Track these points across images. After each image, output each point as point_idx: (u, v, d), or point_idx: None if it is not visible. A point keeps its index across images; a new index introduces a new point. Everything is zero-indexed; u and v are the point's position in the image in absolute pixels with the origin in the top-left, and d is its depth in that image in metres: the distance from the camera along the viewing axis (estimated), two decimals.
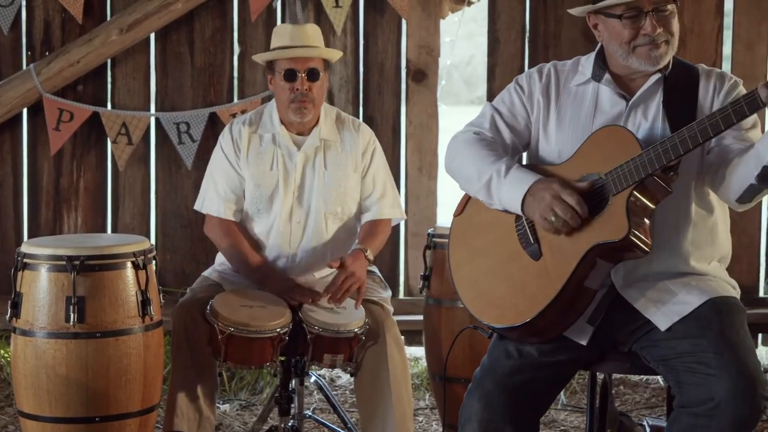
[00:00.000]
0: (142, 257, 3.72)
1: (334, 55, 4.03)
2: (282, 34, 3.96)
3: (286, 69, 3.88)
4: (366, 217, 4.04)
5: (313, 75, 3.88)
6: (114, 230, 5.23)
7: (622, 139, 2.89)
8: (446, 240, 3.21)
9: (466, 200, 3.17)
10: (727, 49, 5.23)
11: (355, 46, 5.20)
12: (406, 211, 5.21)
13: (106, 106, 5.15)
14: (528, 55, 5.23)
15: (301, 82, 3.88)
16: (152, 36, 5.15)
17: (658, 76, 2.98)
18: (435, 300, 4.24)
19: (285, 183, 3.96)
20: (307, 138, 3.98)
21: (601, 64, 3.05)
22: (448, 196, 4.45)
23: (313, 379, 4.17)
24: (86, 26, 5.09)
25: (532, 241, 2.96)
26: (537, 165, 3.07)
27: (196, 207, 4.10)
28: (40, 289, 3.64)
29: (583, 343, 2.96)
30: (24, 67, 5.13)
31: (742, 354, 2.79)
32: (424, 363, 4.76)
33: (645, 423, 3.70)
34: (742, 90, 2.99)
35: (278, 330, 3.70)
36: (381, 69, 5.22)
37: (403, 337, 3.96)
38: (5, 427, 4.45)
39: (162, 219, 5.26)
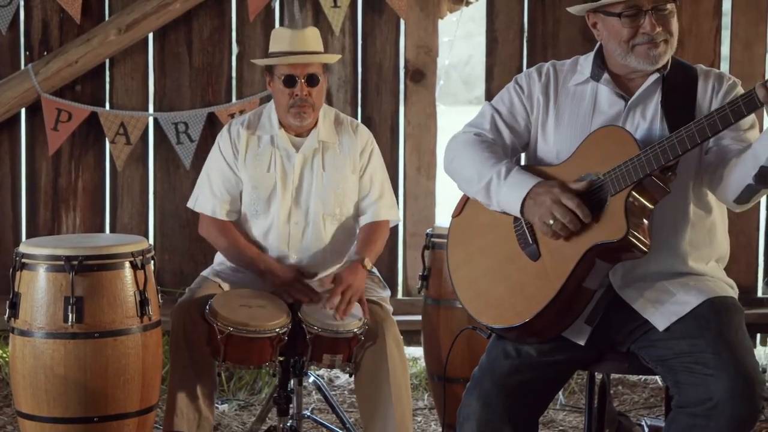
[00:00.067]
0: (141, 257, 3.72)
1: (333, 59, 4.04)
2: (281, 38, 3.94)
3: (285, 75, 3.88)
4: (364, 220, 4.04)
5: (312, 80, 3.88)
6: (112, 230, 5.22)
7: (620, 139, 2.89)
8: (445, 240, 3.21)
9: (465, 201, 3.17)
10: (725, 49, 5.23)
11: (353, 47, 5.20)
12: (405, 212, 5.22)
13: (104, 106, 5.15)
14: (526, 55, 5.23)
15: (300, 87, 3.88)
16: (150, 36, 5.15)
17: (656, 76, 2.98)
18: (433, 300, 4.24)
19: (283, 184, 3.96)
20: (305, 139, 3.97)
21: (600, 64, 3.05)
22: (446, 196, 4.45)
23: (311, 379, 4.16)
24: (84, 26, 5.09)
25: (531, 242, 2.96)
26: (535, 166, 3.07)
27: (189, 204, 4.09)
28: (39, 290, 3.64)
29: (581, 343, 2.96)
30: (22, 67, 5.13)
31: (740, 354, 2.79)
32: (422, 363, 4.76)
33: (643, 423, 3.70)
34: (740, 90, 2.99)
35: (277, 330, 3.69)
36: (379, 69, 5.22)
37: (401, 337, 3.96)
38: (3, 428, 4.45)
39: (160, 219, 5.26)
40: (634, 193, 2.83)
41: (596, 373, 3.15)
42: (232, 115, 4.97)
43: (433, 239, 4.25)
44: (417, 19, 5.18)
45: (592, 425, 3.17)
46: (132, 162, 5.17)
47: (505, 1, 5.21)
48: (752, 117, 2.90)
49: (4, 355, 4.90)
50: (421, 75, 5.21)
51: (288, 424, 3.82)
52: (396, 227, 5.15)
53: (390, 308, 3.97)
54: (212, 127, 5.07)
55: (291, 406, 3.84)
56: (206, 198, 4.01)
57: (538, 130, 3.10)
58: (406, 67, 5.21)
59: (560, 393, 4.78)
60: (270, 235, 3.97)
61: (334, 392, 4.91)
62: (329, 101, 5.08)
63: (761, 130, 2.97)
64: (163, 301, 3.90)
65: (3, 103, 5.04)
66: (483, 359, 3.01)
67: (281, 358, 3.81)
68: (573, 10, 3.08)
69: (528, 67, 4.89)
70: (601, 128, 2.96)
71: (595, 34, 3.05)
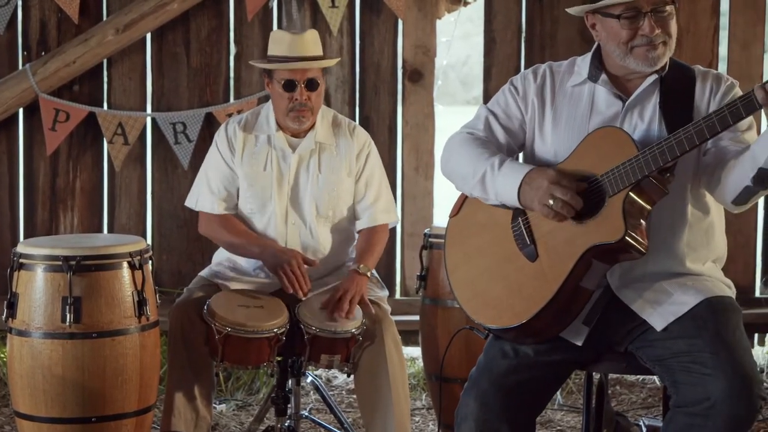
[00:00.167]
0: (139, 257, 3.72)
1: (333, 63, 4.05)
2: (280, 42, 3.93)
3: (285, 79, 3.88)
4: (360, 224, 4.03)
5: (312, 85, 3.88)
6: (110, 230, 5.22)
7: (618, 140, 2.89)
8: (443, 240, 3.21)
9: (462, 201, 3.17)
10: (723, 49, 5.23)
11: (351, 47, 5.20)
12: (403, 212, 5.22)
13: (102, 107, 5.15)
14: (524, 55, 5.23)
15: (300, 92, 3.87)
16: (148, 36, 5.15)
17: (654, 77, 2.98)
18: (431, 300, 4.24)
19: (278, 184, 3.96)
20: (302, 140, 3.97)
21: (598, 65, 3.05)
22: (444, 196, 4.45)
23: (309, 379, 4.16)
24: (82, 26, 5.09)
25: (529, 243, 2.96)
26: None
27: (189, 204, 4.09)
28: (36, 290, 3.64)
29: (579, 343, 2.96)
30: (20, 67, 5.13)
31: (738, 354, 2.79)
32: (420, 363, 4.77)
33: (641, 423, 3.70)
34: (738, 91, 2.99)
35: (275, 330, 3.70)
36: (377, 69, 5.22)
37: (400, 337, 3.96)
38: (1, 428, 4.44)
39: (158, 219, 5.25)
40: (632, 194, 2.83)
41: (594, 373, 3.16)
42: (229, 115, 4.96)
43: (431, 239, 4.25)
44: (415, 20, 5.18)
45: (590, 425, 3.17)
46: (130, 162, 5.17)
47: (503, 1, 5.21)
48: (750, 118, 2.89)
49: (2, 356, 4.90)
50: (419, 75, 5.21)
51: (286, 425, 3.82)
52: (394, 227, 5.15)
53: (388, 308, 3.97)
54: (210, 127, 5.07)
55: (289, 406, 3.84)
56: (205, 197, 4.01)
57: (534, 131, 3.10)
58: (404, 67, 5.22)
59: (558, 393, 4.78)
60: (268, 234, 3.97)
61: (332, 392, 4.91)
62: (327, 101, 5.08)
63: (759, 131, 2.97)
64: (161, 301, 3.90)
65: (1, 103, 5.04)
66: (480, 359, 3.02)
67: (279, 359, 3.81)
68: (572, 11, 3.08)
69: (526, 67, 4.90)
70: (599, 129, 2.96)
71: (594, 35, 3.05)
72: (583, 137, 2.97)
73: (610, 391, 4.45)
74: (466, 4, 5.20)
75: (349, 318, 3.75)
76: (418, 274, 4.30)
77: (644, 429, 3.64)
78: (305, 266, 3.84)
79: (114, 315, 3.65)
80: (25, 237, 5.16)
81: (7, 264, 3.76)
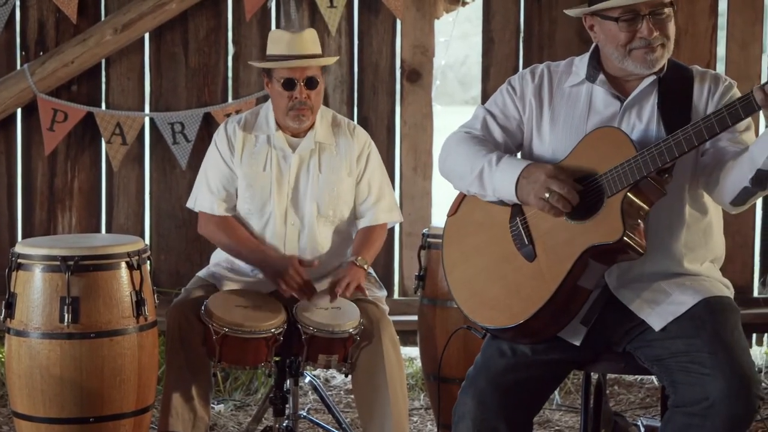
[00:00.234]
0: (137, 257, 3.72)
1: (332, 61, 4.05)
2: (279, 41, 3.93)
3: (284, 78, 3.88)
4: (361, 223, 4.04)
5: (311, 83, 3.88)
6: (108, 230, 5.22)
7: (616, 140, 2.89)
8: (441, 240, 3.21)
9: (460, 200, 3.17)
10: (721, 49, 5.23)
11: (349, 47, 5.20)
12: (401, 211, 5.21)
13: (100, 107, 5.15)
14: (522, 55, 5.23)
15: (299, 90, 3.87)
16: (146, 36, 5.15)
17: (653, 77, 2.98)
18: (429, 300, 4.24)
19: (278, 185, 3.95)
20: (302, 140, 3.97)
21: (596, 65, 3.05)
22: (443, 196, 4.45)
23: (307, 379, 4.16)
24: (80, 26, 5.08)
25: (527, 242, 2.96)
26: None
27: (189, 205, 4.09)
28: (34, 290, 3.64)
29: (577, 343, 2.96)
30: (18, 67, 5.12)
31: (736, 354, 2.79)
32: (418, 363, 4.77)
33: (639, 423, 3.70)
34: (736, 92, 2.99)
35: (273, 330, 3.70)
36: (376, 69, 5.22)
37: (398, 337, 3.96)
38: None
39: (156, 219, 5.25)
40: (630, 194, 2.84)
41: (592, 373, 3.16)
42: (228, 116, 4.95)
43: (429, 239, 4.26)
44: (413, 19, 5.18)
45: (588, 425, 3.17)
46: (128, 162, 5.17)
47: (501, 1, 5.21)
48: (748, 119, 2.90)
49: (0, 356, 4.90)
50: (418, 75, 5.21)
51: (284, 425, 3.82)
52: (393, 227, 5.15)
53: (386, 308, 3.96)
54: (208, 127, 5.07)
55: (287, 406, 3.84)
56: (204, 197, 4.01)
57: (532, 131, 3.10)
58: (402, 67, 5.22)
59: (556, 393, 4.78)
60: (266, 235, 3.97)
61: (330, 392, 4.91)
62: (326, 101, 5.08)
63: (757, 133, 2.98)
64: (159, 301, 3.90)
65: None
66: (478, 358, 3.02)
67: (277, 359, 3.81)
68: (570, 12, 3.08)
69: (524, 67, 4.88)
70: (598, 129, 2.96)
71: (592, 37, 3.05)
72: (581, 137, 2.97)
73: (608, 391, 4.45)
74: (464, 4, 5.20)
75: (348, 291, 3.77)
76: (417, 274, 4.30)
77: (642, 429, 3.64)
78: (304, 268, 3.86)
79: (112, 315, 3.65)
80: (23, 237, 5.16)
81: (5, 264, 3.76)
